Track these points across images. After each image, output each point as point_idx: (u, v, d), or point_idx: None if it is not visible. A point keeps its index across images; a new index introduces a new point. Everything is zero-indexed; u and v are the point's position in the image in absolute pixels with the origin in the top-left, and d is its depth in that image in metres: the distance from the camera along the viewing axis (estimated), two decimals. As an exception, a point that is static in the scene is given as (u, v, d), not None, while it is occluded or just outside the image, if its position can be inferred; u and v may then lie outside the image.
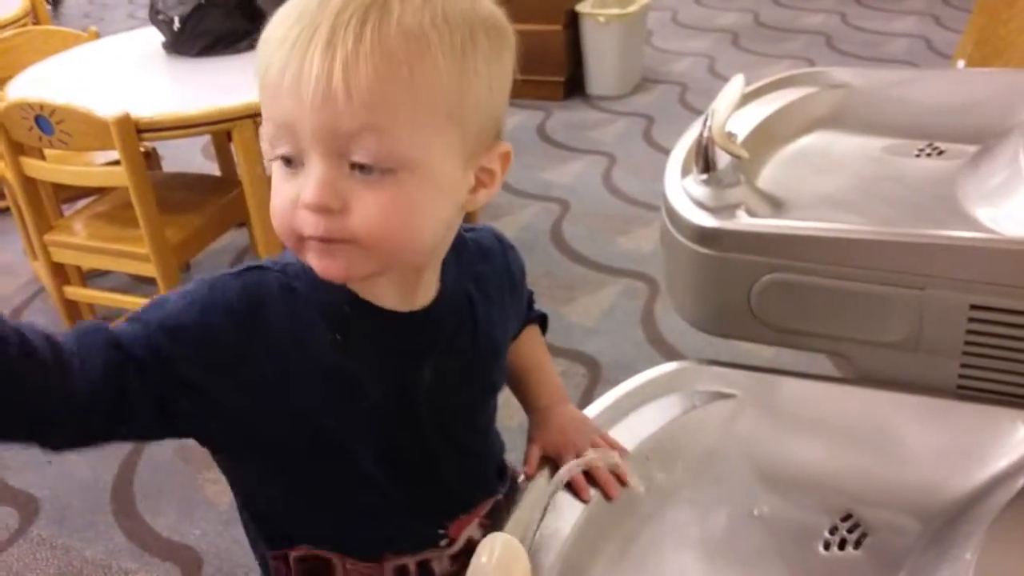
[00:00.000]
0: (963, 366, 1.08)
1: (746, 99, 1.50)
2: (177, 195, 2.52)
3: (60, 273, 2.48)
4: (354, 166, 0.67)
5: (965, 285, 1.05)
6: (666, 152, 1.46)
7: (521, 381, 1.02)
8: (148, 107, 2.16)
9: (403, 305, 0.80)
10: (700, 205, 1.21)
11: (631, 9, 4.04)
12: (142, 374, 0.69)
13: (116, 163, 2.17)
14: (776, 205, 1.27)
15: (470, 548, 0.82)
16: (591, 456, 0.90)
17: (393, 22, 0.65)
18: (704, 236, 1.18)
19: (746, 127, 1.42)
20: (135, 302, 2.51)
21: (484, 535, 0.78)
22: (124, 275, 2.75)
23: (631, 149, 3.70)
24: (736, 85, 1.31)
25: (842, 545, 0.84)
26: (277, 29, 0.68)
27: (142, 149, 2.23)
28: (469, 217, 0.82)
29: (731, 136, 1.25)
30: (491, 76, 0.71)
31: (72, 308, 2.55)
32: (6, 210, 3.12)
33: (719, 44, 4.84)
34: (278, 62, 0.66)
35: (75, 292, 2.52)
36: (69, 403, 0.64)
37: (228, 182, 2.71)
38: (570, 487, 0.89)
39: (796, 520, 0.86)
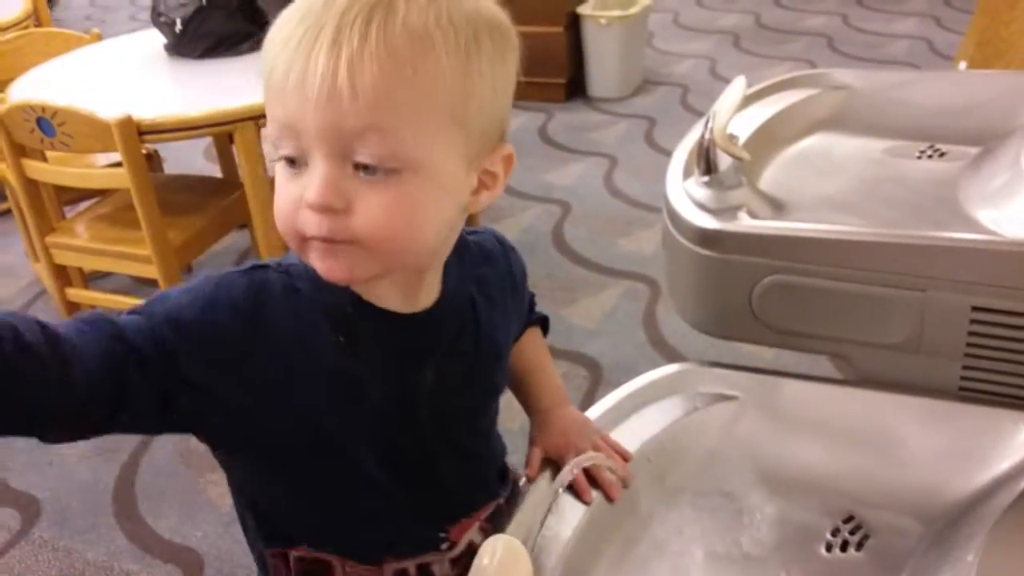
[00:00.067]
0: (965, 368, 1.08)
1: (748, 101, 1.50)
2: (179, 197, 2.53)
3: (62, 275, 2.49)
4: (358, 166, 0.67)
5: (967, 287, 1.05)
6: (667, 154, 1.46)
7: (522, 383, 1.02)
8: (150, 109, 2.16)
9: (405, 307, 0.80)
10: (702, 207, 1.21)
11: (632, 11, 4.04)
12: (144, 367, 0.68)
13: (118, 165, 2.18)
14: (778, 207, 1.27)
15: (471, 552, 0.82)
16: (593, 458, 0.89)
17: (398, 22, 0.65)
18: (705, 238, 1.17)
19: (748, 129, 1.42)
20: (136, 304, 2.51)
21: (485, 538, 0.78)
22: (126, 277, 2.76)
23: (632, 151, 3.70)
24: (737, 87, 1.31)
25: (844, 547, 0.84)
26: (282, 29, 0.68)
27: (144, 151, 2.23)
28: (471, 219, 0.82)
29: (733, 138, 1.25)
30: (495, 78, 0.72)
31: (74, 310, 2.55)
32: (8, 212, 3.12)
33: (720, 46, 4.84)
34: (283, 62, 0.66)
35: (77, 294, 2.53)
36: (67, 396, 0.64)
37: (229, 184, 2.72)
38: (572, 489, 0.89)
39: (798, 522, 0.86)
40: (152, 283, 2.42)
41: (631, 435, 0.95)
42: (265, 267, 0.79)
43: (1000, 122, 1.37)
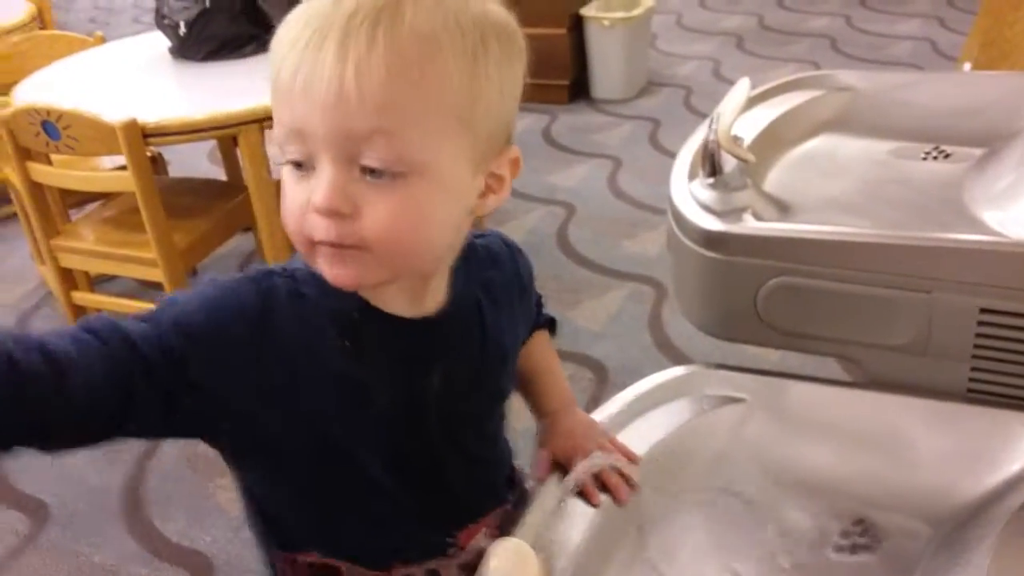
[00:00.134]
0: (973, 369, 1.08)
1: (752, 103, 1.50)
2: (184, 200, 2.53)
3: (68, 278, 2.49)
4: (364, 170, 0.67)
5: (973, 288, 1.05)
6: (671, 155, 1.46)
7: (530, 385, 1.02)
8: (154, 112, 2.17)
9: (412, 311, 0.80)
10: (706, 209, 1.21)
11: (636, 13, 4.04)
12: (151, 374, 0.68)
13: (123, 168, 2.18)
14: (783, 209, 1.27)
15: (479, 557, 0.82)
16: (601, 460, 0.90)
17: (405, 25, 0.65)
18: (711, 240, 1.18)
19: (752, 131, 1.42)
20: (143, 307, 2.51)
21: (493, 542, 0.78)
22: (132, 280, 2.76)
23: (636, 152, 3.70)
24: (741, 89, 1.31)
25: (853, 549, 0.84)
26: (289, 32, 0.68)
27: (148, 154, 2.23)
28: (476, 222, 0.82)
29: (737, 140, 1.25)
30: (502, 80, 0.72)
31: (80, 313, 2.55)
32: (13, 216, 3.12)
33: (724, 47, 4.84)
34: (290, 65, 0.66)
35: (83, 297, 2.53)
36: (67, 411, 0.64)
37: (234, 187, 2.72)
38: (580, 492, 0.89)
39: (807, 524, 0.86)
40: (158, 286, 2.43)
41: (639, 438, 0.95)
42: (271, 272, 0.78)
43: (1005, 123, 1.36)
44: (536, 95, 4.08)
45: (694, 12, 5.49)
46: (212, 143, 3.48)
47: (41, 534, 2.07)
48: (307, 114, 0.66)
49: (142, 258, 2.31)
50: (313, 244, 0.70)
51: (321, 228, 0.68)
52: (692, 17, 5.40)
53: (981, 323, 1.06)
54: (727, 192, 1.21)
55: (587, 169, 3.60)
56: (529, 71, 0.75)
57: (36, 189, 2.32)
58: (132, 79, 2.57)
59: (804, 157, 1.48)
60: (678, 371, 1.06)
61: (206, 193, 2.66)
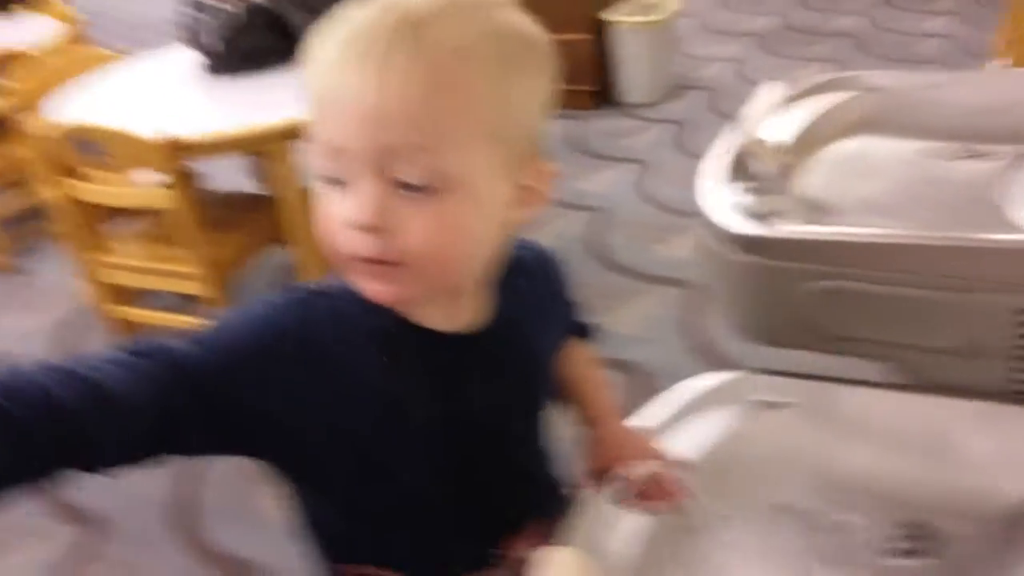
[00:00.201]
0: (1014, 370, 1.08)
1: (782, 105, 1.51)
2: (218, 213, 2.55)
3: (108, 293, 2.52)
4: (401, 185, 0.67)
5: (1013, 288, 1.04)
6: (699, 158, 1.46)
7: (571, 394, 1.01)
8: (187, 126, 2.19)
9: (449, 326, 0.80)
10: (740, 213, 1.21)
11: (660, 16, 4.04)
12: (197, 395, 0.70)
13: (158, 183, 2.21)
14: (817, 211, 1.28)
15: (524, 568, 0.82)
16: (646, 468, 0.89)
17: (438, 41, 0.66)
18: (745, 245, 1.18)
19: (783, 133, 1.43)
20: (182, 321, 2.54)
21: (539, 554, 0.78)
22: (171, 294, 2.79)
23: (664, 156, 3.70)
24: (770, 91, 1.32)
25: (906, 553, 0.84)
26: (323, 49, 0.69)
27: (183, 169, 2.26)
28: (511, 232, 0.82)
29: (768, 143, 1.25)
30: (531, 91, 0.73)
31: (122, 328, 2.58)
32: (53, 232, 3.17)
33: (749, 49, 4.82)
34: (325, 82, 0.68)
35: (123, 312, 2.56)
36: (112, 435, 0.65)
37: (267, 199, 2.74)
38: (627, 501, 0.89)
39: (858, 529, 0.86)
40: (196, 299, 2.45)
41: (684, 445, 0.95)
42: (311, 290, 0.79)
43: (1038, 121, 1.36)
44: (561, 101, 4.06)
45: (718, 14, 5.47)
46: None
47: (98, 547, 2.10)
48: (343, 131, 0.67)
49: (180, 272, 2.34)
50: (352, 260, 0.71)
51: (358, 244, 0.69)
52: (716, 19, 5.38)
53: (1023, 323, 1.05)
54: (760, 196, 1.21)
55: (615, 174, 3.60)
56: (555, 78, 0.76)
57: (74, 206, 2.36)
58: (163, 94, 2.60)
59: (836, 159, 1.48)
60: (721, 376, 1.06)
61: (240, 206, 2.69)
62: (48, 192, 2.47)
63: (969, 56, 4.34)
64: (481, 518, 0.88)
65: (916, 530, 0.86)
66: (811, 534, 0.87)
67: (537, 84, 0.73)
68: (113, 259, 2.46)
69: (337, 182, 0.69)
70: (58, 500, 2.23)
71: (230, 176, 3.30)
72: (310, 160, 0.71)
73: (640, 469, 0.90)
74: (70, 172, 2.33)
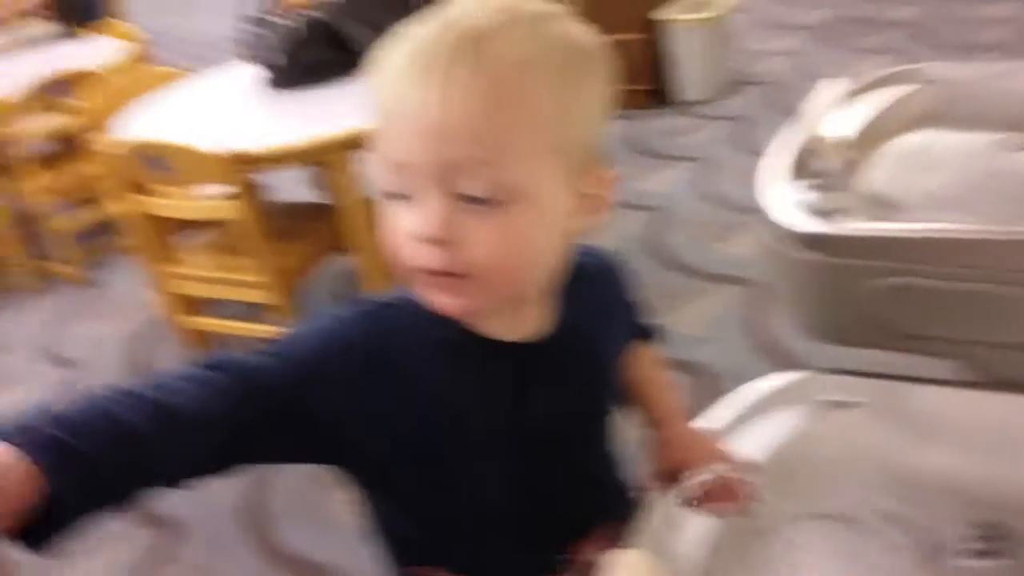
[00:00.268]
0: (1091, 365, 1.05)
1: (844, 100, 1.49)
2: (282, 223, 2.60)
3: (178, 304, 2.59)
4: (464, 198, 0.68)
5: (1087, 281, 1.02)
6: (758, 155, 1.45)
7: (636, 397, 1.01)
8: (252, 140, 2.24)
9: (513, 335, 0.80)
10: (805, 211, 1.20)
11: (714, 13, 4.01)
12: (268, 407, 0.72)
13: (224, 196, 2.26)
14: (882, 207, 1.26)
15: (593, 572, 0.82)
16: (714, 471, 0.89)
17: (499, 55, 0.67)
18: (809, 242, 1.17)
19: (846, 129, 1.41)
20: (249, 328, 2.60)
21: (606, 557, 0.78)
22: (238, 302, 2.85)
23: (722, 153, 3.67)
24: (832, 86, 1.31)
25: (980, 554, 0.82)
26: (388, 64, 0.70)
27: (247, 181, 2.31)
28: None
29: (831, 139, 1.24)
30: (593, 102, 0.73)
31: (192, 337, 2.65)
32: (124, 246, 3.26)
33: (805, 42, 4.76)
34: (390, 98, 0.69)
35: (193, 321, 2.63)
36: (186, 454, 0.68)
37: (329, 208, 2.79)
38: (695, 503, 0.88)
39: (931, 531, 0.84)
40: (263, 307, 2.51)
41: (750, 446, 0.95)
42: (377, 303, 0.81)
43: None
44: (617, 101, 4.06)
45: (773, 8, 5.40)
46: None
47: (173, 550, 2.16)
48: (407, 146, 0.68)
49: (247, 281, 2.39)
50: (418, 273, 0.72)
51: (426, 257, 0.70)
52: (772, 12, 5.31)
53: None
54: (826, 193, 1.20)
55: (673, 173, 3.58)
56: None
57: (145, 220, 2.43)
58: (227, 109, 2.67)
59: (901, 153, 1.46)
60: (787, 376, 1.05)
61: (303, 216, 2.74)
62: (118, 207, 2.55)
63: (1034, 42, 4.23)
64: (546, 524, 0.89)
65: (990, 530, 0.84)
66: (881, 535, 0.85)
67: (597, 93, 0.74)
68: (182, 270, 2.52)
69: (402, 196, 0.71)
70: (136, 506, 2.29)
71: (292, 187, 3.37)
72: (376, 175, 0.72)
73: (707, 471, 0.89)
74: (139, 187, 2.40)
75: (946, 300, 1.10)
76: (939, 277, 1.09)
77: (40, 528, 0.59)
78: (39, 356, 3.11)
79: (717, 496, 0.89)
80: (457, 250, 0.69)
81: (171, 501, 2.28)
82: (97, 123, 2.59)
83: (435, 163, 0.67)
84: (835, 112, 1.42)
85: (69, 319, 3.33)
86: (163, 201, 2.44)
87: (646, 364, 1.02)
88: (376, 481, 0.84)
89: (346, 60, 2.58)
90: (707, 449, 0.94)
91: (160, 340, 3.00)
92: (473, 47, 0.67)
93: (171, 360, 2.87)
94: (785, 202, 1.23)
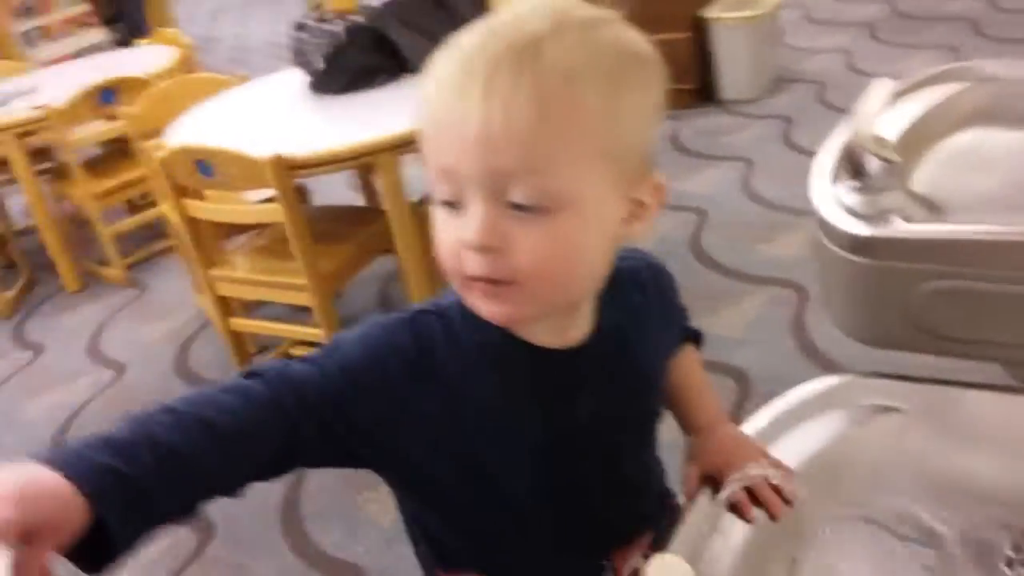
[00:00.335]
0: None
1: (893, 99, 1.46)
2: (327, 227, 2.63)
3: (224, 306, 2.63)
4: (513, 206, 0.68)
5: None
6: (807, 154, 1.43)
7: (677, 401, 1.01)
8: (298, 145, 2.26)
9: (558, 342, 0.81)
10: (853, 213, 1.19)
11: (761, 10, 3.96)
12: (313, 416, 0.73)
13: (270, 200, 2.29)
14: (933, 209, 1.24)
15: None
16: (754, 474, 0.88)
17: (548, 63, 0.67)
18: (859, 245, 1.15)
19: (896, 129, 1.39)
20: (294, 330, 2.64)
21: (647, 561, 0.78)
22: (282, 305, 2.89)
23: (769, 152, 3.62)
24: (881, 85, 1.29)
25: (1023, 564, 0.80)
26: (437, 73, 0.70)
27: (294, 185, 2.34)
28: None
29: (881, 140, 1.22)
30: (642, 108, 0.73)
31: (237, 338, 2.69)
32: (172, 249, 3.32)
33: (856, 38, 4.68)
34: (438, 107, 0.69)
35: (239, 323, 2.66)
36: (232, 468, 0.70)
37: (373, 212, 2.82)
38: (734, 507, 0.88)
39: (974, 538, 0.83)
40: (306, 310, 2.53)
41: (791, 451, 0.94)
42: (424, 311, 0.81)
43: None
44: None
45: (822, 3, 5.33)
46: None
47: (206, 548, 2.19)
48: (456, 154, 0.68)
49: (292, 284, 2.42)
50: (466, 280, 0.72)
51: (474, 264, 0.70)
52: (821, 9, 5.24)
53: None
54: (874, 194, 1.18)
55: (718, 173, 3.55)
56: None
57: (193, 224, 2.46)
58: (274, 114, 2.70)
59: (951, 153, 1.43)
60: (830, 380, 1.03)
61: (347, 219, 2.77)
62: (168, 211, 2.59)
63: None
64: (589, 530, 0.89)
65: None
66: (924, 541, 0.84)
67: (647, 100, 0.73)
68: (228, 273, 2.55)
69: (451, 204, 0.71)
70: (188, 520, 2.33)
71: (337, 190, 3.40)
72: (426, 183, 0.73)
73: (749, 474, 0.89)
74: (188, 192, 2.43)
75: (994, 303, 1.07)
76: (988, 280, 1.06)
77: (93, 552, 0.60)
78: (86, 357, 3.17)
79: (758, 500, 0.88)
80: (504, 258, 0.69)
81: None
82: (149, 129, 2.64)
83: (482, 171, 0.68)
84: (885, 112, 1.39)
85: (116, 321, 3.40)
86: (211, 205, 2.48)
87: (688, 367, 1.02)
88: (417, 487, 0.85)
89: (392, 65, 2.60)
90: (749, 452, 0.93)
91: (205, 342, 3.05)
92: (521, 56, 0.67)
93: (216, 361, 2.92)
94: (834, 204, 1.21)
